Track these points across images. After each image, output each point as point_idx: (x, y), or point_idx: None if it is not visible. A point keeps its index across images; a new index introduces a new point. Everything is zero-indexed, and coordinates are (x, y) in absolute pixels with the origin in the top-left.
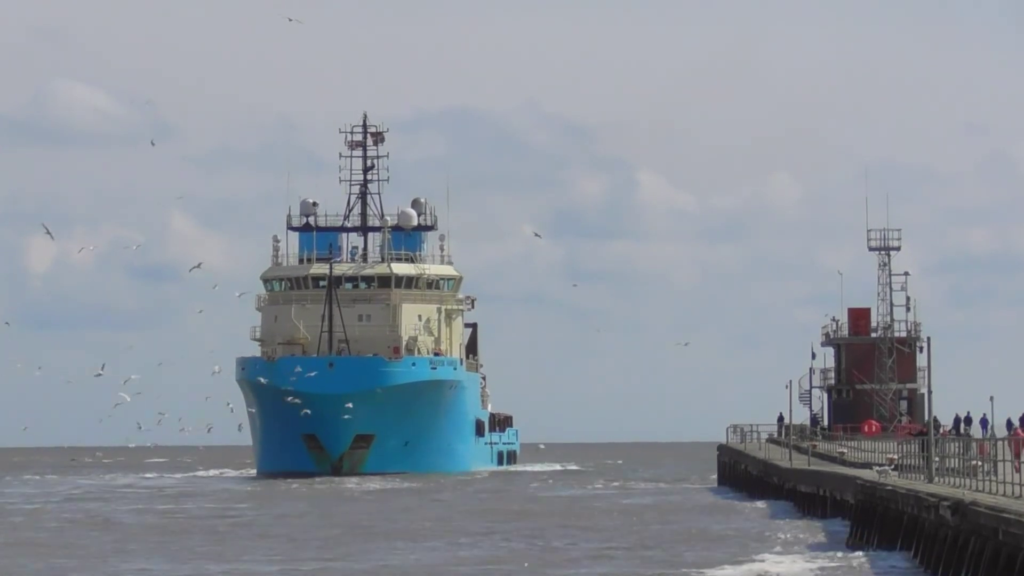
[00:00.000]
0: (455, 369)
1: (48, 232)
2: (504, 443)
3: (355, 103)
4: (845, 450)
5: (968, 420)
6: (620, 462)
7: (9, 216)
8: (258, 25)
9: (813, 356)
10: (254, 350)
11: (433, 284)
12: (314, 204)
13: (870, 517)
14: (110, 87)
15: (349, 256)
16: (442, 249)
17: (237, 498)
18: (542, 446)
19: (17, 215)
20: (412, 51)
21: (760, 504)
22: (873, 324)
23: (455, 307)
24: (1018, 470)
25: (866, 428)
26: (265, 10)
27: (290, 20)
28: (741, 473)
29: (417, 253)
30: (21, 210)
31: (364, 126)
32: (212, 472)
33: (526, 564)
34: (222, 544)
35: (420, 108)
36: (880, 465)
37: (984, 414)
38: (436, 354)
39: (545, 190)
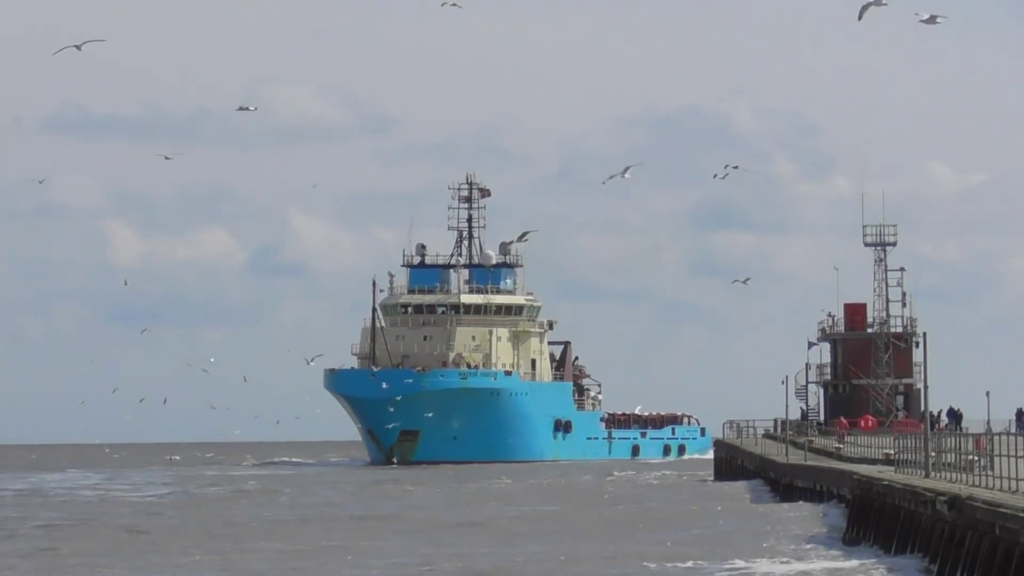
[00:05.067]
0: (494, 380)
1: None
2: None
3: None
4: (841, 445)
5: (951, 413)
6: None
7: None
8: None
9: (810, 346)
10: (353, 362)
11: (502, 311)
12: (423, 247)
13: (867, 512)
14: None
15: (448, 288)
16: (514, 282)
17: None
18: None
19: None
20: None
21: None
22: (869, 319)
23: (527, 330)
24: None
25: (862, 423)
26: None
27: None
28: (738, 469)
29: (492, 285)
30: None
31: (470, 185)
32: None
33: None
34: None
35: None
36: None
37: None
38: (470, 366)
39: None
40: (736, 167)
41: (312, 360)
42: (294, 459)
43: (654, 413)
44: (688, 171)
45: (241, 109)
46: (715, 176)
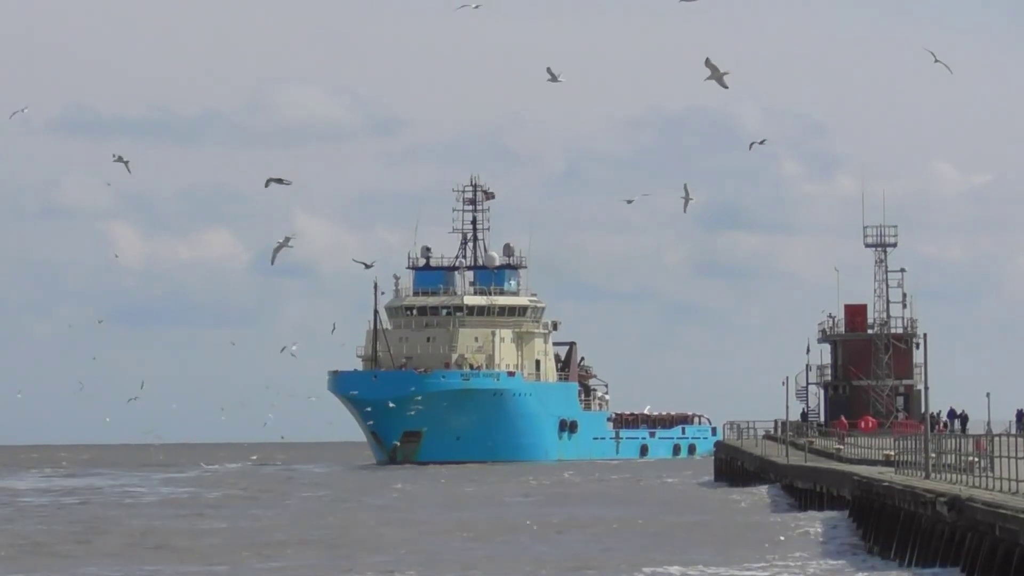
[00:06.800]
0: (496, 380)
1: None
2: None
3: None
4: (841, 446)
5: (952, 414)
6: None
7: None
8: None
9: (809, 350)
10: (358, 364)
11: (506, 312)
12: (428, 249)
13: (867, 513)
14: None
15: (453, 290)
16: (518, 284)
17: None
18: None
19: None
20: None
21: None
22: (870, 320)
23: (531, 331)
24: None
25: (862, 424)
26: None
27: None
28: (739, 470)
29: (495, 287)
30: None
31: (474, 187)
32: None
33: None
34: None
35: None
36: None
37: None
38: (472, 367)
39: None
40: (763, 142)
41: (292, 349)
42: (279, 461)
43: (664, 413)
44: (694, 172)
45: (109, 173)
46: (752, 145)
